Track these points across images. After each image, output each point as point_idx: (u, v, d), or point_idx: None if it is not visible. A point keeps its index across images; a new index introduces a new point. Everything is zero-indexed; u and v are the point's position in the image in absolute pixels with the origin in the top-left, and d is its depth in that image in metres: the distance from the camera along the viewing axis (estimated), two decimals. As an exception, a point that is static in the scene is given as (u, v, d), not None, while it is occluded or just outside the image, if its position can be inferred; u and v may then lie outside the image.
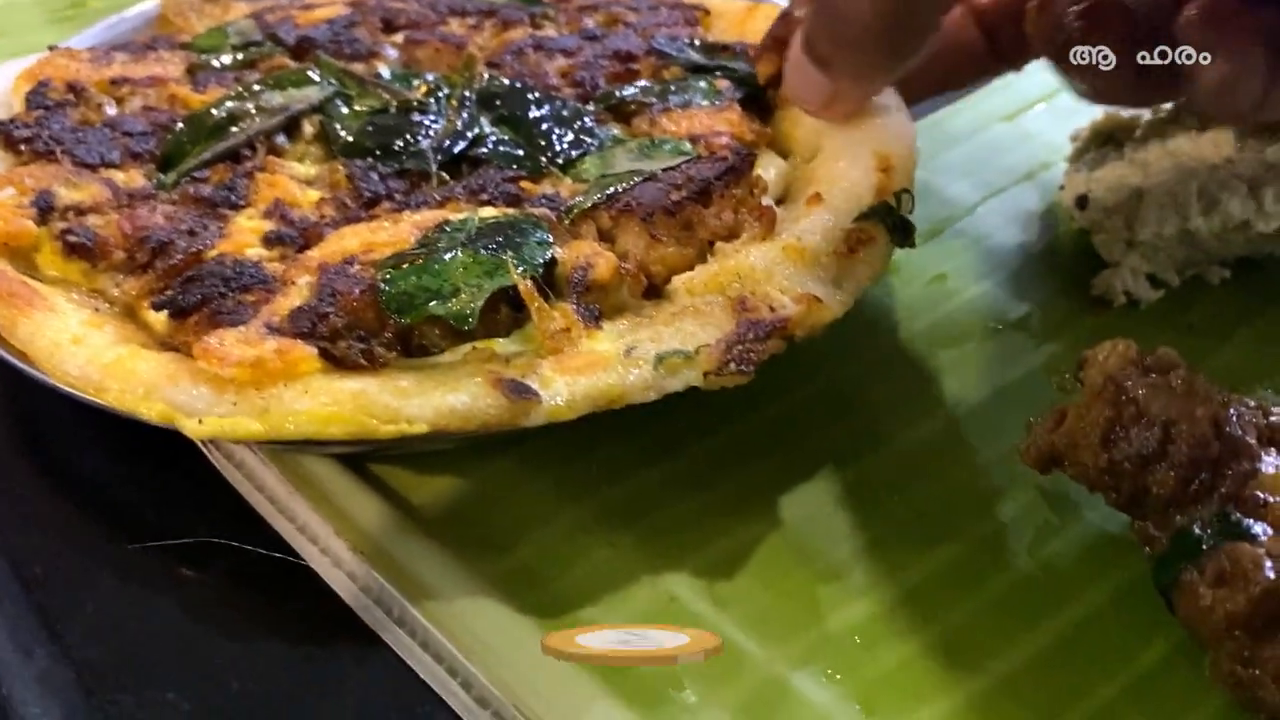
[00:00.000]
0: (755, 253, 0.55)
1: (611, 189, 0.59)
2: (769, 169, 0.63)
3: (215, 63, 0.72)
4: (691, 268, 0.56)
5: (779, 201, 0.61)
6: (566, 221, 0.58)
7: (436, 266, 0.53)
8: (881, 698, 0.46)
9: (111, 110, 0.67)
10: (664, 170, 0.61)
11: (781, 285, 0.53)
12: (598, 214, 0.58)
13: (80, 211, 0.59)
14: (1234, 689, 0.43)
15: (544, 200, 0.61)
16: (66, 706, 0.47)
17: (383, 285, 0.52)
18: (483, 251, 0.54)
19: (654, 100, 0.68)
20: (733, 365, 0.49)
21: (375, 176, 0.64)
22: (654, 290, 0.57)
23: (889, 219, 0.57)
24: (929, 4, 0.52)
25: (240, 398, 0.49)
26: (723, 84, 0.70)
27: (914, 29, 0.52)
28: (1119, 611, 0.49)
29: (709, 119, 0.66)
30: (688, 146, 0.63)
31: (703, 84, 0.70)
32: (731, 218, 0.58)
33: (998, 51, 0.64)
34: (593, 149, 0.65)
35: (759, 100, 0.69)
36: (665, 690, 0.46)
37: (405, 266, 0.53)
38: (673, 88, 0.69)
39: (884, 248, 0.57)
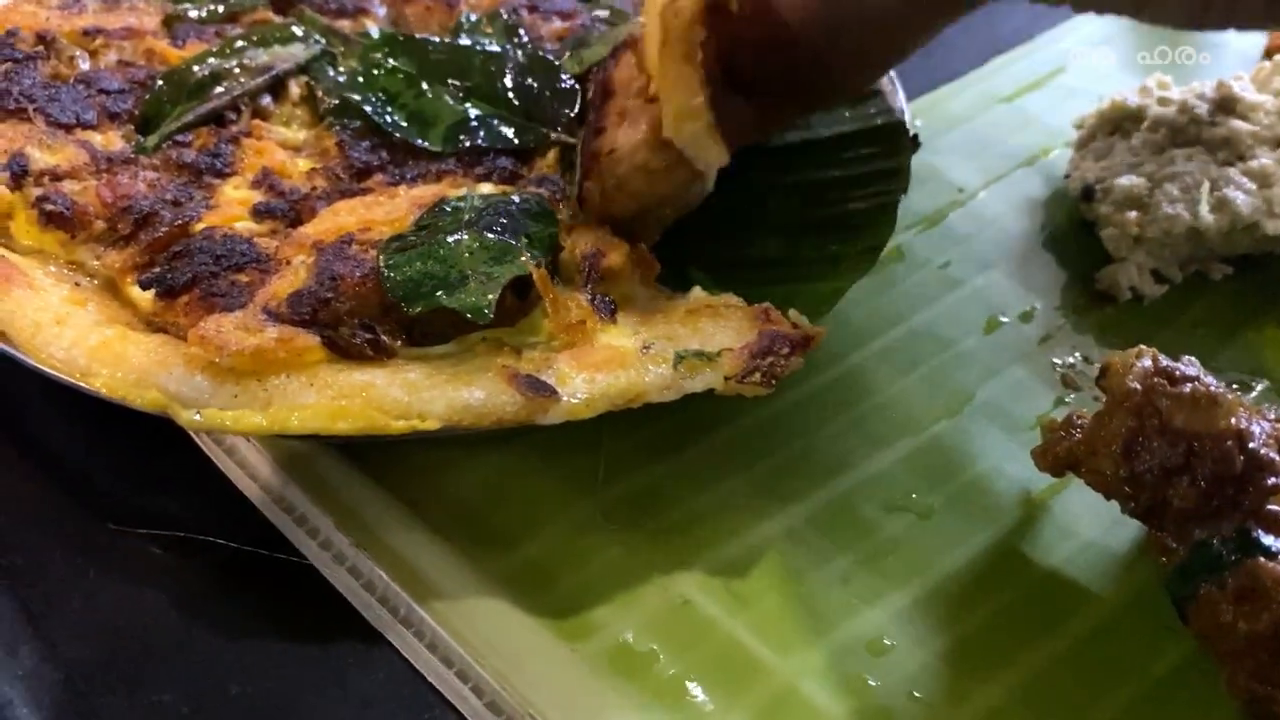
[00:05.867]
0: None
1: None
2: None
3: (194, 13, 0.68)
4: None
5: None
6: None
7: (441, 251, 0.51)
8: (896, 710, 0.46)
9: (85, 64, 0.63)
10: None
11: None
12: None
13: (57, 177, 0.56)
14: (1249, 705, 0.44)
15: (546, 181, 0.58)
16: (55, 709, 0.45)
17: (386, 271, 0.50)
18: (489, 235, 0.52)
19: None
20: (758, 376, 0.47)
21: (365, 145, 0.61)
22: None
23: None
24: None
25: (241, 389, 0.46)
26: None
27: None
28: (1130, 620, 0.49)
29: None
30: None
31: None
32: None
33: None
34: None
35: None
36: (681, 697, 0.46)
37: (409, 251, 0.51)
38: None
39: None
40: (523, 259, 0.50)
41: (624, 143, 0.54)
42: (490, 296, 0.48)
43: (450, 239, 0.51)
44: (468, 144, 0.60)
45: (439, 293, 0.49)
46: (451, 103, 0.62)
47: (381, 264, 0.50)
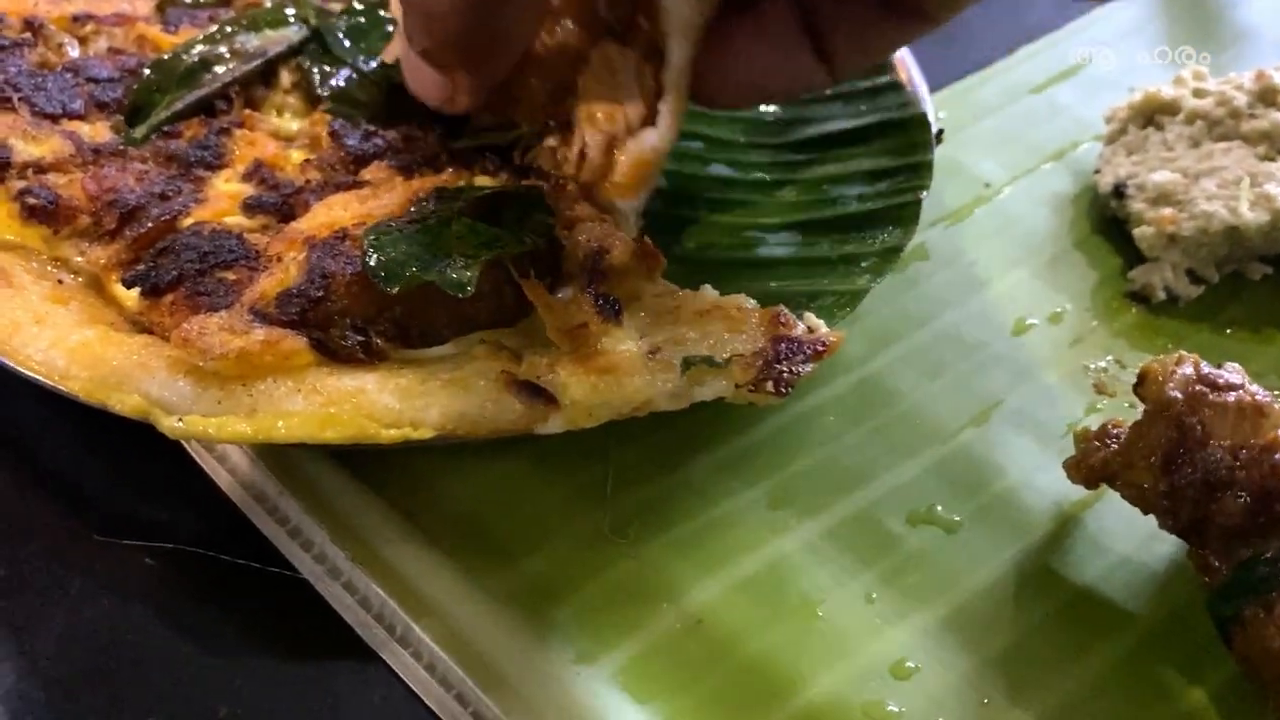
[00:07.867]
0: None
1: None
2: None
3: (187, -2, 0.66)
4: None
5: None
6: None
7: (429, 234, 0.48)
8: (926, 734, 0.43)
9: (74, 51, 0.61)
10: None
11: None
12: None
13: (40, 169, 0.54)
14: (1298, 736, 0.41)
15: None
16: (35, 730, 0.43)
17: (369, 250, 0.47)
18: (481, 223, 0.49)
19: None
20: (770, 384, 0.45)
21: (360, 133, 0.58)
22: None
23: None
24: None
25: (225, 394, 0.44)
26: None
27: (498, 31, 0.46)
28: (1167, 642, 0.46)
29: None
30: None
31: None
32: None
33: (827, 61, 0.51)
34: None
35: None
36: (701, 723, 0.43)
37: (394, 233, 0.48)
38: None
39: None
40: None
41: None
42: (470, 273, 0.46)
43: (440, 224, 0.49)
44: None
45: (419, 270, 0.46)
46: None
47: (365, 245, 0.47)
